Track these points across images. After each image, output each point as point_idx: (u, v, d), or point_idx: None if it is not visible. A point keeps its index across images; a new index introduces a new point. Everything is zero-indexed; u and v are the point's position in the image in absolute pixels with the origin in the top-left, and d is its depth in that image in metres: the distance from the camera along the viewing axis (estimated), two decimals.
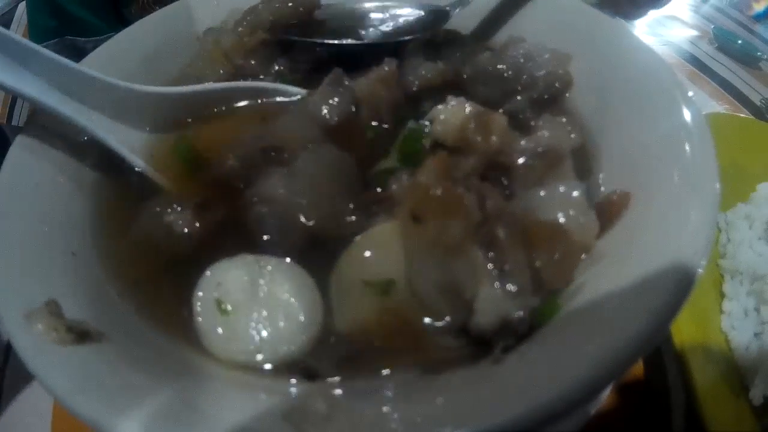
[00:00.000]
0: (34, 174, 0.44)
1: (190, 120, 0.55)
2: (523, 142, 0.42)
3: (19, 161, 0.44)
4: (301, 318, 0.37)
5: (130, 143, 0.50)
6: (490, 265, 0.35)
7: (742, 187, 0.77)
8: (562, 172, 0.41)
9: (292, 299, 0.38)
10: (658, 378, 0.62)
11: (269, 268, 0.40)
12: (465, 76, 0.56)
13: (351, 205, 0.44)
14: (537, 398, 0.27)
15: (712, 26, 1.27)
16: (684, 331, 0.59)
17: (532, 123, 0.46)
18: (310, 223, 0.42)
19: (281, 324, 0.37)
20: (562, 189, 0.40)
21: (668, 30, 1.27)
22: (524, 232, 0.36)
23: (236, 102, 0.56)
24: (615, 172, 0.44)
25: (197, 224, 0.44)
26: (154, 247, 0.44)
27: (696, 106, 0.42)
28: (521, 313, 0.34)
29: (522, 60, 0.53)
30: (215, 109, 0.56)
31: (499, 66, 0.53)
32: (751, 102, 1.10)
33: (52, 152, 0.46)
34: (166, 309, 0.39)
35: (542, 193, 0.40)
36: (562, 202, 0.39)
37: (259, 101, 0.57)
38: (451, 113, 0.45)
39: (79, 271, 0.40)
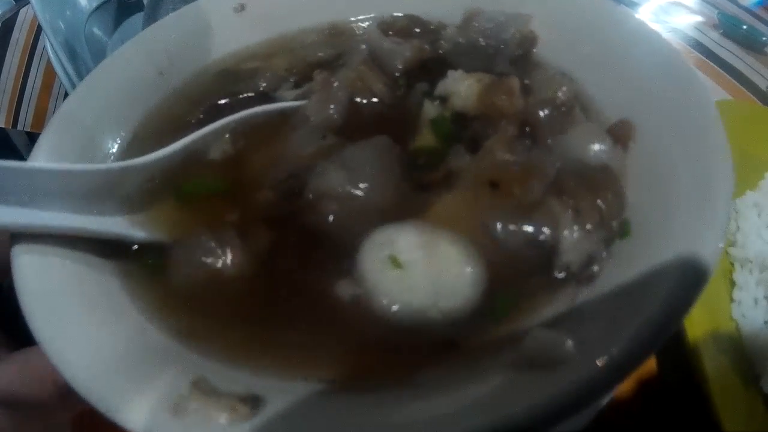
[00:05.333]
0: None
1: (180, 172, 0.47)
2: (540, 97, 0.48)
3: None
4: (467, 274, 0.39)
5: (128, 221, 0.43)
6: (568, 212, 0.40)
7: (751, 175, 0.77)
8: (576, 117, 0.47)
9: (458, 260, 0.39)
10: (669, 367, 0.62)
11: (432, 235, 0.40)
12: (441, 51, 0.58)
13: (407, 184, 0.45)
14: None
15: (717, 12, 1.25)
16: (695, 320, 0.60)
17: (526, 81, 0.51)
18: (378, 208, 0.42)
19: (451, 279, 0.38)
20: (583, 130, 0.45)
21: (673, 17, 1.26)
22: (582, 178, 0.42)
23: (236, 131, 0.51)
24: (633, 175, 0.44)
25: (247, 255, 0.41)
26: (210, 297, 0.39)
27: (708, 92, 0.42)
28: (601, 247, 0.39)
29: (489, 25, 0.57)
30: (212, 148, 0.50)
31: (473, 35, 0.57)
32: (758, 87, 1.09)
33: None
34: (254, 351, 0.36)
35: (569, 139, 0.45)
36: (588, 141, 0.44)
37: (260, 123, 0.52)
38: (466, 86, 0.49)
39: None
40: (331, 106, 0.50)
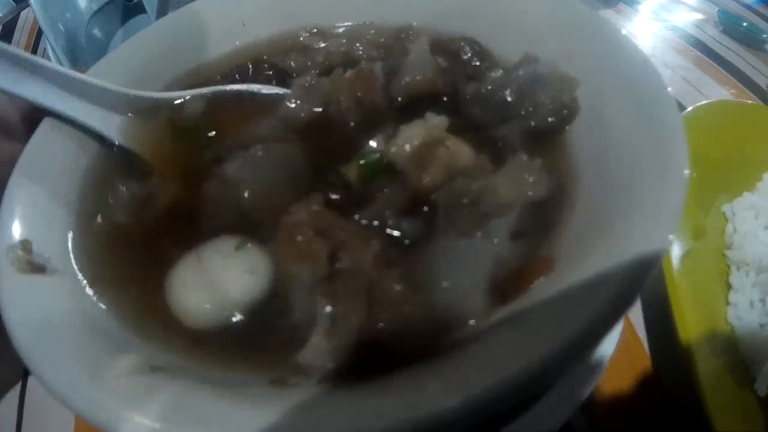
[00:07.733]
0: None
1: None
2: (474, 186, 0.40)
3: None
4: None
5: (109, 123, 0.54)
6: (326, 317, 0.36)
7: (749, 176, 0.77)
8: (495, 228, 0.38)
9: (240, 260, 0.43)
10: (665, 369, 0.63)
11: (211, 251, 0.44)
12: (464, 92, 0.52)
13: (288, 197, 0.44)
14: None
15: (717, 9, 1.25)
16: (690, 322, 0.60)
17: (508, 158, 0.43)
18: (248, 205, 0.45)
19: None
20: (474, 252, 0.38)
21: (673, 14, 1.26)
22: (370, 293, 0.36)
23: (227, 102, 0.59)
24: (587, 181, 0.43)
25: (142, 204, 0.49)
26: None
27: (677, 112, 0.39)
28: (325, 367, 0.34)
29: (530, 82, 0.48)
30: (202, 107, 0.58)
31: (507, 87, 0.49)
32: (757, 86, 1.09)
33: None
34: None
35: (455, 248, 0.38)
36: (464, 268, 0.38)
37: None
38: (407, 138, 0.45)
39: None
40: (296, 106, 0.54)
